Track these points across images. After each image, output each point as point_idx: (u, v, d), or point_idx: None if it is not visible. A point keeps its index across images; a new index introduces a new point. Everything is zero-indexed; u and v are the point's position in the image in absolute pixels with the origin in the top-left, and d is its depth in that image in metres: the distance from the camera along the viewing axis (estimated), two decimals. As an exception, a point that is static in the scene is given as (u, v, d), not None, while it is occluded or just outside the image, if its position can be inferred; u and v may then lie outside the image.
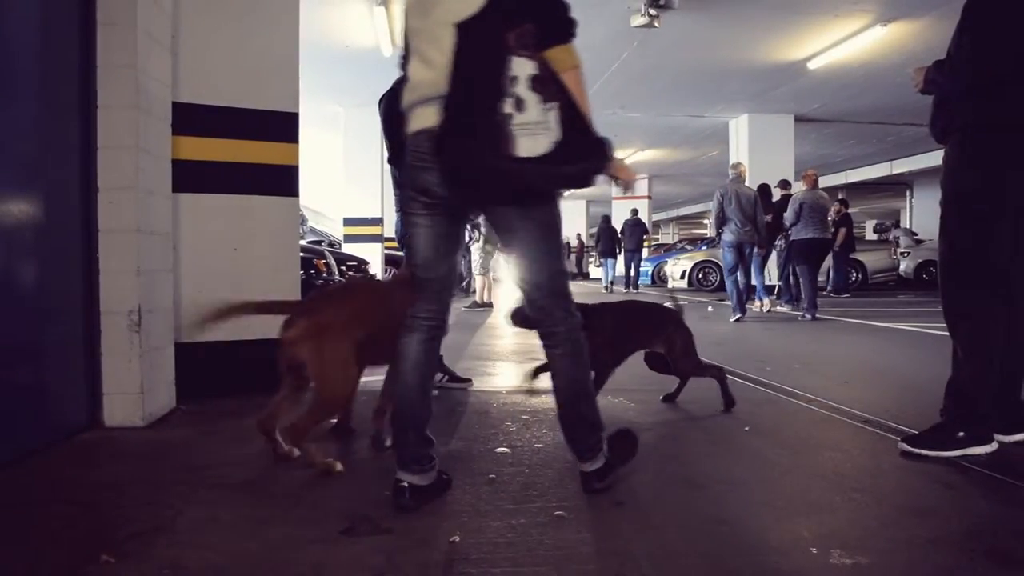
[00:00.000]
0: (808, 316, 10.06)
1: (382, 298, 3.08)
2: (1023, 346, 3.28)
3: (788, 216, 10.50)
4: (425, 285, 2.56)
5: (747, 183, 10.72)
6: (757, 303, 11.26)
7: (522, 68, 2.22)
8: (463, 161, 2.28)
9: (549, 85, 2.24)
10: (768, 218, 10.74)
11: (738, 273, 10.06)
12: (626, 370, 4.11)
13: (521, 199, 2.39)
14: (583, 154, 2.29)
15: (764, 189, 11.51)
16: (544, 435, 3.52)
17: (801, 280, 10.64)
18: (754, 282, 10.94)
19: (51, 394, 3.36)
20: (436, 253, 2.54)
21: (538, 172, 2.24)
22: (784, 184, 12.24)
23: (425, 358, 2.54)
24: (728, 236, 9.89)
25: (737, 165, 10.49)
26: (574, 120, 2.26)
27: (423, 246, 2.54)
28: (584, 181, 2.33)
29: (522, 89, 2.21)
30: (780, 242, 11.34)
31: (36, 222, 3.22)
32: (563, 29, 2.32)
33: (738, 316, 9.91)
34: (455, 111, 2.28)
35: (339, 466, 2.90)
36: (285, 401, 3.04)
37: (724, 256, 10.18)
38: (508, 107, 2.20)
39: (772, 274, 13.09)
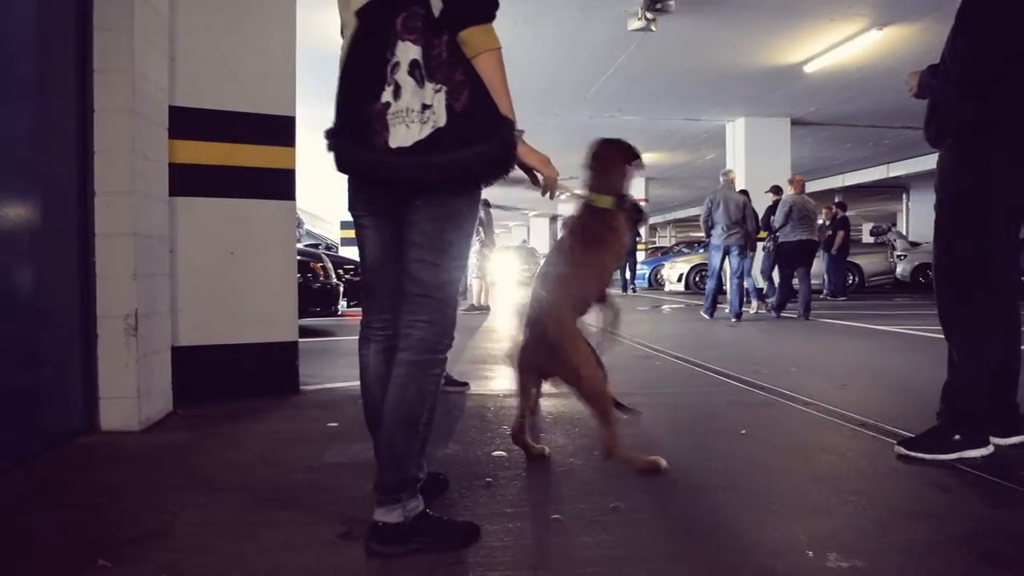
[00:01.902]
0: (774, 313, 10.79)
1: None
2: (1018, 348, 3.30)
3: (777, 219, 10.99)
4: (375, 291, 2.40)
5: (748, 186, 11.50)
6: (755, 303, 11.87)
7: (405, 53, 2.08)
8: (338, 156, 2.21)
9: (439, 68, 2.07)
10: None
11: (720, 279, 10.68)
12: (623, 374, 4.12)
13: (415, 191, 2.16)
14: (466, 143, 2.07)
15: (745, 193, 11.79)
16: (541, 439, 3.52)
17: (779, 282, 11.21)
18: (746, 284, 11.26)
19: (48, 398, 3.35)
20: (384, 256, 2.35)
21: (405, 163, 2.07)
22: (776, 190, 12.41)
23: (385, 368, 2.36)
24: (715, 239, 10.45)
25: (727, 172, 10.97)
26: (468, 106, 2.08)
27: (370, 249, 2.38)
28: (459, 172, 2.10)
29: (401, 75, 2.07)
30: (769, 244, 11.58)
31: (32, 226, 3.22)
32: (476, 10, 2.12)
33: (710, 312, 10.64)
34: (339, 102, 2.21)
35: (663, 463, 2.94)
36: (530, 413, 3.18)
37: (710, 258, 10.78)
38: (387, 95, 2.08)
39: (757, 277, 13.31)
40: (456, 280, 2.26)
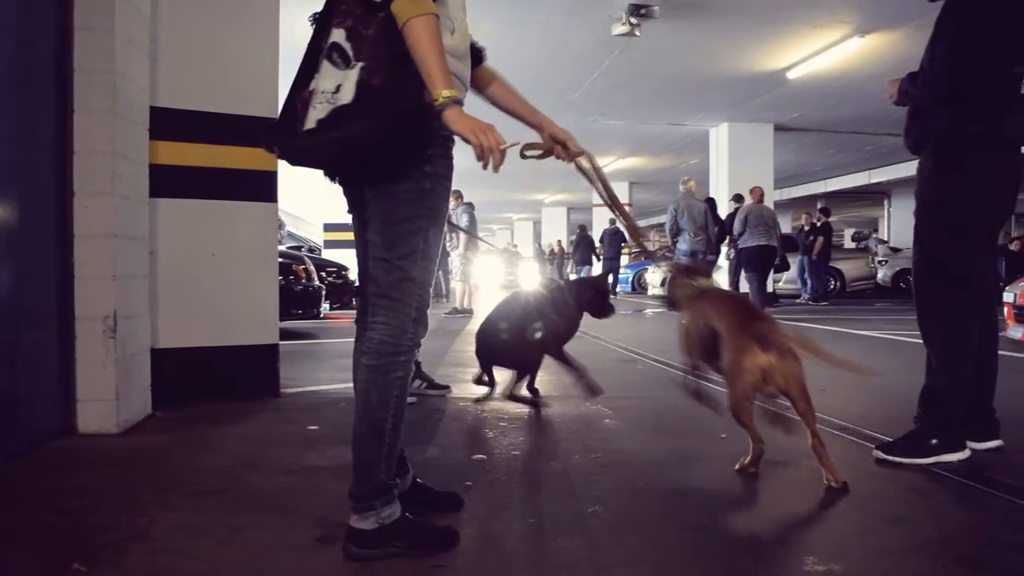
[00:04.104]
0: None
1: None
2: (995, 354, 3.33)
3: (736, 226, 11.69)
4: (363, 291, 2.36)
5: (730, 191, 12.53)
6: None
7: (330, 38, 2.06)
8: (271, 148, 2.16)
9: (362, 47, 2.01)
10: (715, 228, 12.02)
11: None
12: (604, 377, 4.13)
13: (366, 185, 2.14)
14: (360, 119, 1.98)
15: (711, 202, 12.81)
16: (521, 442, 3.53)
17: (749, 285, 11.72)
18: None
19: (23, 400, 3.31)
20: (364, 255, 2.30)
21: (306, 144, 2.05)
22: (737, 198, 13.08)
23: None
24: (683, 245, 11.05)
25: (686, 181, 11.53)
26: (386, 82, 1.99)
27: (356, 249, 2.36)
28: (349, 151, 2.01)
29: (324, 59, 2.05)
30: (730, 251, 12.03)
31: (10, 227, 3.19)
32: None
33: None
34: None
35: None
36: None
37: None
38: (315, 82, 2.05)
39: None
40: (414, 278, 2.16)
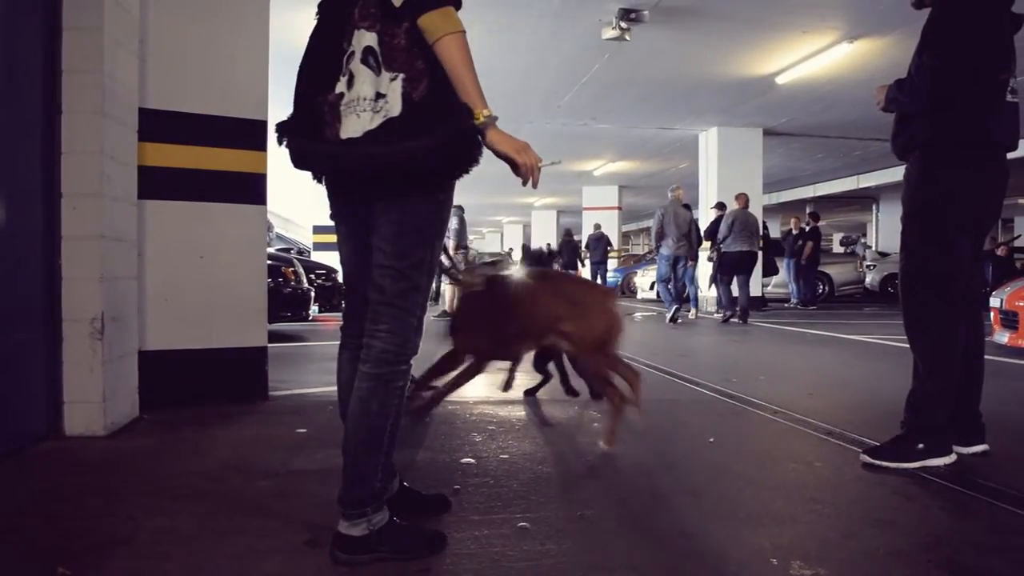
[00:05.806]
0: (727, 316, 11.73)
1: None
2: (981, 358, 3.35)
3: (721, 230, 12.11)
4: (351, 298, 2.35)
5: (719, 195, 13.20)
6: (692, 310, 13.05)
7: (360, 41, 2.02)
8: (291, 150, 2.14)
9: (396, 56, 1.99)
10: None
11: (670, 284, 11.75)
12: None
13: (377, 193, 2.09)
14: (416, 133, 1.97)
15: (688, 208, 13.14)
16: (510, 446, 3.52)
17: (721, 288, 12.19)
18: (689, 290, 12.89)
19: (9, 402, 3.29)
20: (357, 262, 2.29)
21: (352, 154, 2.01)
22: (720, 206, 13.52)
23: (355, 376, 2.24)
24: (665, 250, 11.61)
25: (675, 189, 12.00)
26: (427, 95, 1.98)
27: (345, 255, 2.34)
28: (406, 164, 1.99)
29: (355, 64, 2.01)
30: (712, 255, 12.79)
31: (-3, 228, 3.17)
32: None
33: (675, 309, 11.63)
34: (295, 97, 2.15)
35: None
36: None
37: (659, 267, 11.93)
38: (341, 86, 2.02)
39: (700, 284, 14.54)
40: (420, 288, 2.16)
